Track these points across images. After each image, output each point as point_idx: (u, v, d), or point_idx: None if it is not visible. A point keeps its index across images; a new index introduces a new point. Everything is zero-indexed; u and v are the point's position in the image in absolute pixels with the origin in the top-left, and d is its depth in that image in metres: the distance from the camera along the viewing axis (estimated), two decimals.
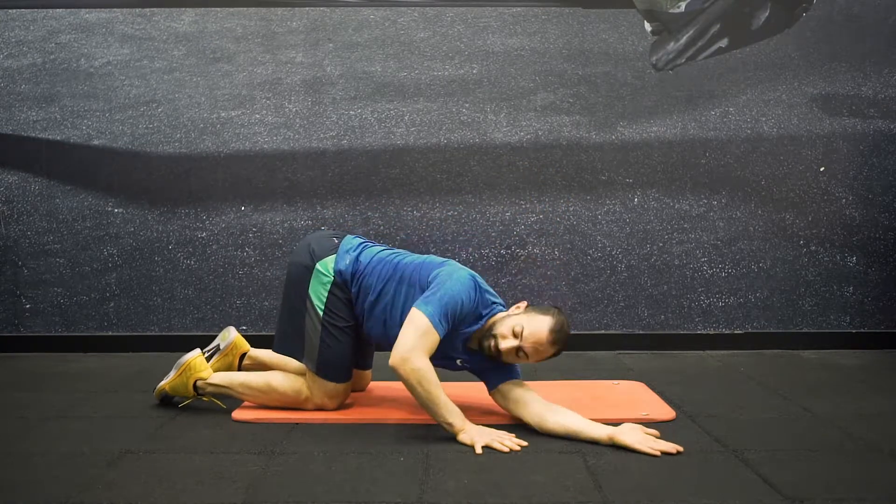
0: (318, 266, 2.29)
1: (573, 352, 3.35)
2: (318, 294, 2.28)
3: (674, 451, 1.96)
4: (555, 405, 2.16)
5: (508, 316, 2.16)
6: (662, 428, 2.20)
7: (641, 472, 1.85)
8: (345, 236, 2.39)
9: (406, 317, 2.11)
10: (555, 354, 2.14)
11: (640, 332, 3.43)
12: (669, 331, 3.43)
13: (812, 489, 1.74)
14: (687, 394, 2.61)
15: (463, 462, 1.92)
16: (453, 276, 2.14)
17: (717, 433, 2.15)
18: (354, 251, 2.31)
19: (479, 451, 1.98)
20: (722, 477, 1.82)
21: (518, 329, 2.09)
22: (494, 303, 2.23)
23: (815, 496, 1.70)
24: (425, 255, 2.34)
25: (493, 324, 2.16)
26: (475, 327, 2.18)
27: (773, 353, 3.35)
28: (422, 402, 2.07)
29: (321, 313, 2.28)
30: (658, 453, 1.95)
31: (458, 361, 2.24)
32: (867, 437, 2.12)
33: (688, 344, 3.41)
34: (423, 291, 2.16)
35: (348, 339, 2.30)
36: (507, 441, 2.02)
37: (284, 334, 2.36)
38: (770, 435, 2.14)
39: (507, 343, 2.10)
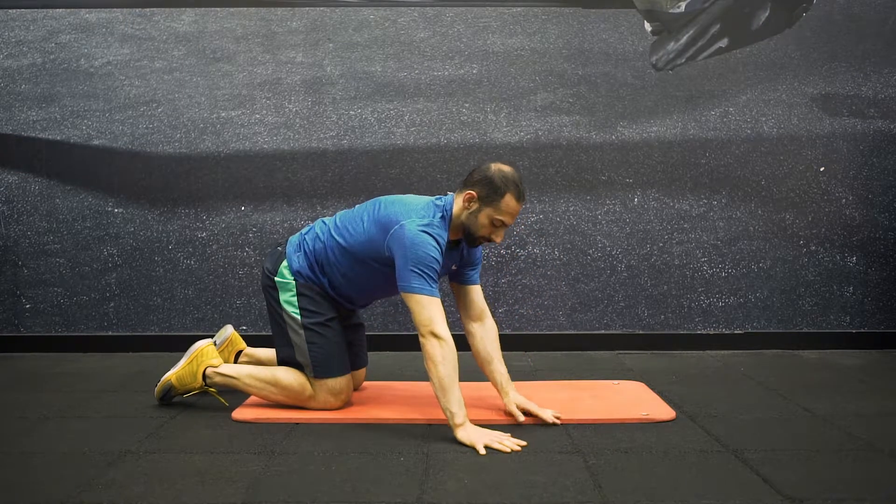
0: (277, 279, 2.36)
1: (573, 352, 3.36)
2: (290, 302, 2.34)
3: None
4: (490, 338, 2.34)
5: (471, 212, 2.20)
6: (662, 428, 2.21)
7: (641, 472, 1.85)
8: (288, 240, 2.44)
9: (392, 278, 2.19)
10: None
11: (640, 332, 3.43)
12: (669, 331, 3.43)
13: (812, 489, 1.74)
14: (687, 394, 2.61)
15: (463, 462, 1.92)
16: (406, 243, 2.14)
17: (717, 433, 2.15)
18: (299, 249, 2.37)
19: (481, 451, 1.98)
20: (722, 477, 1.82)
21: (497, 221, 2.20)
22: (442, 216, 2.23)
23: (815, 496, 1.70)
24: (362, 219, 2.29)
25: (468, 227, 2.22)
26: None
27: (773, 353, 3.35)
28: (436, 382, 2.09)
29: (299, 318, 2.32)
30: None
31: (453, 267, 2.34)
32: (867, 437, 2.12)
33: (688, 344, 3.41)
34: (386, 263, 2.21)
35: (333, 331, 2.33)
36: (506, 441, 2.02)
37: (283, 356, 2.40)
38: (770, 435, 2.14)
39: (499, 235, 2.23)
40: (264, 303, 2.48)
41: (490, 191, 2.18)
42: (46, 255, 3.41)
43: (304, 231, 2.43)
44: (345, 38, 3.42)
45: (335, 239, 2.32)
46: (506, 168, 2.21)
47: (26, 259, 3.41)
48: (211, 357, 2.41)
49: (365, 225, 2.28)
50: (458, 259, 2.34)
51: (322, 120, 3.42)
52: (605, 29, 3.42)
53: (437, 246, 2.16)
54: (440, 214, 2.23)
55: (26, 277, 3.41)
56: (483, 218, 2.20)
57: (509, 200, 2.17)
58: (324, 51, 3.42)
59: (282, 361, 2.39)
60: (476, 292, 2.39)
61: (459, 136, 3.42)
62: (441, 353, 2.09)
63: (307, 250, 2.35)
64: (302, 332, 2.31)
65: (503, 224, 2.21)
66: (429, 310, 2.11)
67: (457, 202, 2.23)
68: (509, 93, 3.42)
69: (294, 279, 2.33)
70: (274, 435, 2.15)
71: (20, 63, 3.41)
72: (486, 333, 2.35)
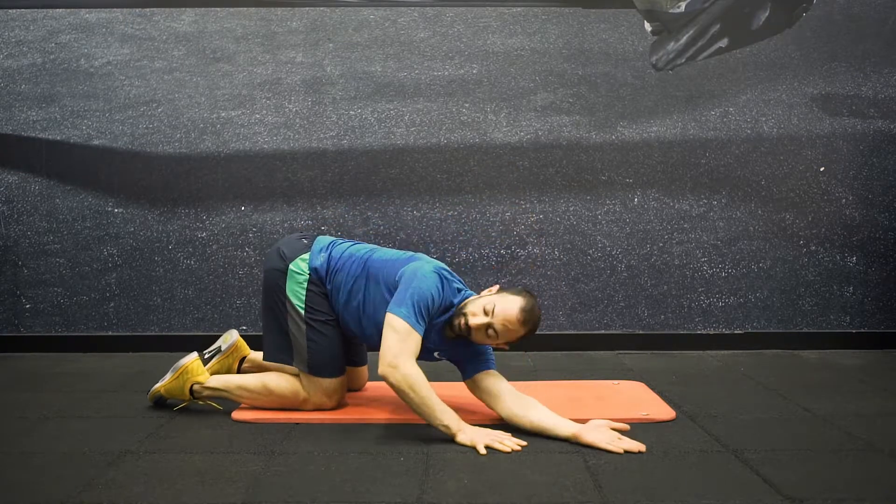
0: (291, 266, 2.32)
1: (573, 352, 3.36)
2: (296, 293, 2.30)
3: (636, 450, 1.97)
4: (526, 398, 2.16)
5: (480, 297, 2.17)
6: (662, 428, 2.21)
7: (641, 472, 1.85)
8: (316, 237, 2.42)
9: (380, 315, 2.15)
10: (525, 336, 2.14)
11: (640, 332, 3.43)
12: (669, 331, 3.43)
13: (812, 489, 1.74)
14: (687, 394, 2.61)
15: (463, 462, 1.92)
16: (418, 274, 2.14)
17: (717, 433, 2.15)
18: (326, 250, 2.34)
19: (482, 451, 1.98)
20: (722, 477, 1.82)
21: (489, 307, 2.10)
22: (461, 290, 2.25)
23: (815, 496, 1.70)
24: (395, 252, 2.35)
25: (465, 304, 2.17)
26: (446, 317, 2.19)
27: (773, 353, 3.35)
28: (415, 407, 2.07)
29: (302, 311, 2.29)
30: (621, 451, 1.96)
31: (435, 354, 2.25)
32: (867, 437, 2.12)
33: (688, 344, 3.41)
34: (389, 290, 2.18)
35: (333, 332, 2.31)
36: (506, 441, 2.02)
37: (272, 343, 2.36)
38: (770, 435, 2.14)
39: (476, 320, 2.10)
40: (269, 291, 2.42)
41: (506, 290, 2.17)
42: (46, 255, 3.41)
43: (338, 240, 2.41)
44: (345, 38, 3.42)
45: (363, 251, 2.33)
46: (534, 298, 2.15)
47: (26, 259, 3.41)
48: (197, 374, 2.38)
49: (399, 253, 2.31)
50: (451, 350, 2.24)
51: (322, 120, 3.42)
52: (605, 29, 3.43)
53: (440, 291, 2.13)
54: (458, 286, 2.23)
55: (26, 277, 3.42)
56: (481, 301, 2.12)
57: (513, 302, 2.09)
58: (324, 51, 3.42)
59: (268, 347, 2.36)
60: (493, 374, 2.20)
61: (459, 136, 3.42)
62: (407, 381, 2.03)
63: (333, 255, 2.32)
64: (303, 326, 2.29)
65: (490, 315, 2.07)
66: (404, 342, 2.04)
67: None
68: (509, 93, 3.42)
69: (309, 274, 2.30)
70: (274, 435, 2.15)
71: (20, 63, 3.41)
72: (516, 400, 2.15)
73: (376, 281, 2.24)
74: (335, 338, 2.31)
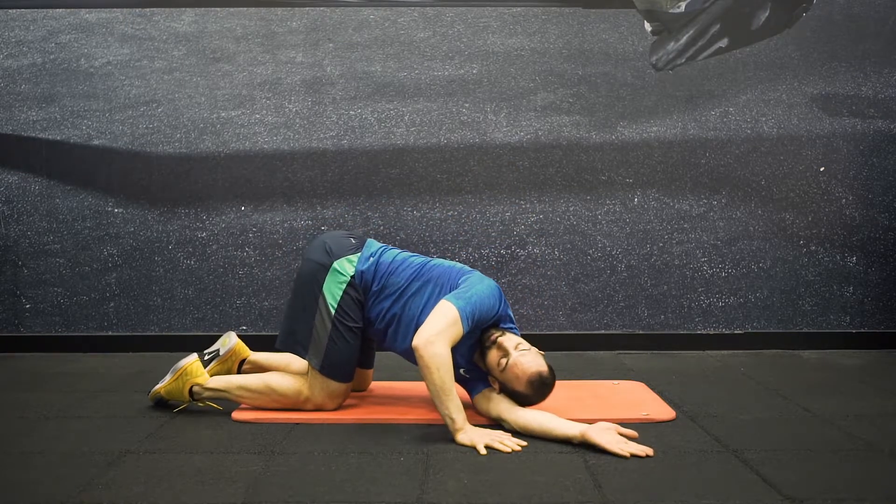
0: (334, 265, 2.31)
1: (573, 352, 3.36)
2: (333, 293, 2.30)
3: (643, 454, 1.95)
4: (532, 409, 2.20)
5: (524, 342, 2.21)
6: (662, 428, 2.21)
7: (641, 472, 1.85)
8: (366, 239, 2.43)
9: (424, 316, 2.18)
10: (519, 393, 2.17)
11: (640, 332, 3.43)
12: (669, 331, 3.43)
13: (812, 489, 1.74)
14: (687, 394, 2.61)
15: (463, 462, 1.92)
16: (484, 282, 2.23)
17: (717, 433, 2.15)
18: (375, 255, 2.35)
19: (482, 451, 1.98)
20: (722, 477, 1.82)
21: (523, 347, 2.17)
22: (511, 320, 2.31)
23: (815, 496, 1.70)
24: (452, 262, 2.39)
25: (510, 332, 2.24)
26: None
27: (773, 353, 3.35)
28: (433, 389, 2.08)
29: (333, 311, 2.29)
30: (628, 455, 1.94)
31: (461, 370, 2.27)
32: (867, 437, 2.12)
33: (688, 344, 3.41)
34: (437, 290, 2.24)
35: (356, 340, 2.32)
36: (507, 441, 2.02)
37: (291, 331, 2.36)
38: (770, 435, 2.14)
39: (506, 342, 2.17)
40: (288, 282, 2.41)
41: (545, 359, 2.19)
42: (46, 255, 3.41)
43: (387, 246, 2.42)
44: (345, 38, 3.42)
45: (420, 258, 2.36)
46: (553, 381, 2.19)
47: (26, 259, 3.41)
48: (196, 375, 2.37)
49: (456, 264, 2.36)
50: (476, 371, 2.28)
51: (322, 120, 3.42)
52: (605, 29, 3.42)
53: (497, 305, 2.21)
54: (511, 314, 2.30)
55: (26, 277, 3.42)
56: (520, 339, 2.19)
57: (539, 366, 2.14)
58: (324, 51, 3.42)
59: (285, 334, 2.37)
60: (498, 394, 2.25)
61: (459, 136, 3.42)
62: (437, 361, 2.05)
63: (383, 260, 2.33)
64: (329, 325, 2.28)
65: (517, 351, 2.14)
66: (448, 327, 2.08)
67: None
68: (509, 93, 3.42)
69: (351, 277, 2.30)
70: (274, 435, 2.15)
71: (20, 63, 3.41)
72: (523, 410, 2.17)
73: (436, 284, 2.27)
74: (355, 345, 2.32)
